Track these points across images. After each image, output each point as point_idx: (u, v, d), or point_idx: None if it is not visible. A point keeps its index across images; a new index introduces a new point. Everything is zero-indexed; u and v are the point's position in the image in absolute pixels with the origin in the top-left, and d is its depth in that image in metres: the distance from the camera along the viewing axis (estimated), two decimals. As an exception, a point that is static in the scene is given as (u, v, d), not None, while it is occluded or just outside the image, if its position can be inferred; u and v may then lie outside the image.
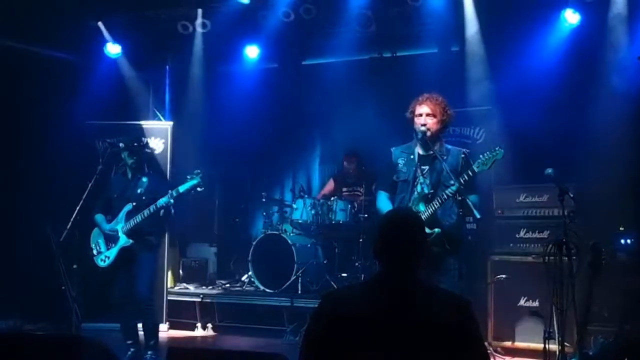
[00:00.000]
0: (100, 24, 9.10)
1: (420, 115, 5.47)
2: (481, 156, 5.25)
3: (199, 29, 9.10)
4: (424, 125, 5.42)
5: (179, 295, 9.02)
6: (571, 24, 7.88)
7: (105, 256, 6.74)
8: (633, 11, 7.61)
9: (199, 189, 6.58)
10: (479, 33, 8.27)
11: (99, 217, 6.86)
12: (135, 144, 6.80)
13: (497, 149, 5.24)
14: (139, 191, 6.73)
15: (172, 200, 6.53)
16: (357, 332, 2.82)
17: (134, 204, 6.67)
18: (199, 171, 6.62)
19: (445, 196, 5.23)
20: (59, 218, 6.88)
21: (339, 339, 2.83)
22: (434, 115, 5.45)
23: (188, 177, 6.60)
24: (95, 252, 6.82)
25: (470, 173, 5.21)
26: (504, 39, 8.20)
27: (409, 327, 2.79)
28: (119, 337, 6.83)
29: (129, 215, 6.66)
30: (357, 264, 8.67)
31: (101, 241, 6.80)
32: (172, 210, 6.68)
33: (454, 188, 5.14)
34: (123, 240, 6.64)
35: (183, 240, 9.98)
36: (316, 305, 3.02)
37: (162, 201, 6.50)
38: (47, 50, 9.04)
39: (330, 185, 9.77)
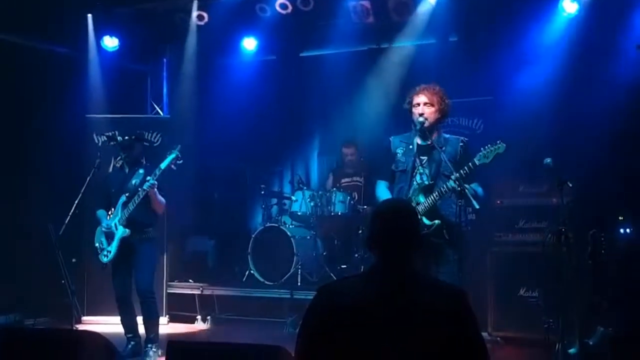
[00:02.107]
0: (89, 16, 9.06)
1: (418, 104, 5.45)
2: (482, 149, 5.22)
3: (197, 22, 9.08)
4: (422, 114, 5.40)
5: (179, 288, 9.02)
6: (569, 13, 7.86)
7: (107, 251, 6.73)
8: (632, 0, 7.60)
9: (178, 161, 6.59)
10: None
11: (101, 213, 6.85)
12: (127, 137, 6.79)
13: (499, 142, 5.19)
14: (134, 182, 6.72)
15: (155, 182, 6.52)
16: (353, 324, 2.82)
17: (127, 194, 6.66)
18: (176, 145, 6.63)
19: (445, 188, 5.22)
20: (58, 212, 6.88)
21: (334, 330, 2.84)
22: (432, 105, 5.43)
23: (167, 153, 6.62)
24: (98, 249, 6.82)
25: (471, 166, 5.19)
26: (502, 28, 8.17)
27: (405, 317, 2.80)
28: (119, 330, 6.84)
29: (124, 206, 6.66)
30: (356, 255, 8.67)
31: (103, 238, 6.79)
32: (161, 198, 6.66)
33: (452, 182, 5.13)
34: (120, 231, 6.62)
35: (182, 233, 9.97)
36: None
37: (147, 184, 6.50)
38: (44, 44, 9.00)
39: (329, 180, 9.76)
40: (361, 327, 2.80)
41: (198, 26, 9.14)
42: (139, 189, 6.54)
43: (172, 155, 6.59)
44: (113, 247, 6.69)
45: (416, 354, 2.75)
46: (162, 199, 6.73)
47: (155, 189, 6.58)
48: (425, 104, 5.43)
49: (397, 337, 2.77)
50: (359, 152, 9.39)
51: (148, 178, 6.52)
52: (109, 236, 6.72)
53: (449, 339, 2.77)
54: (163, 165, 6.57)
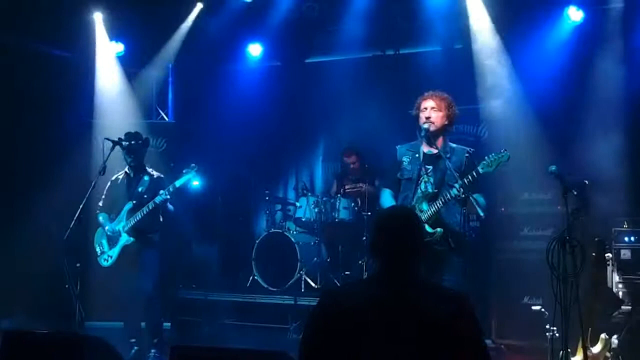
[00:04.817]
0: (99, 15, 9.02)
1: (425, 109, 5.47)
2: (486, 158, 5.22)
3: (203, 27, 9.10)
4: (428, 118, 5.41)
5: (183, 293, 9.02)
6: (574, 21, 7.87)
7: (108, 255, 6.76)
8: (637, 6, 7.59)
9: (194, 181, 6.62)
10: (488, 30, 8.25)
11: (102, 217, 6.87)
12: (133, 142, 6.80)
13: (502, 151, 5.21)
14: (140, 189, 6.74)
15: (169, 196, 6.55)
16: (356, 328, 2.83)
17: (134, 202, 6.68)
18: (194, 165, 6.65)
19: (448, 196, 5.22)
20: (62, 216, 6.88)
21: (337, 334, 2.85)
22: (439, 110, 5.44)
23: (184, 171, 6.64)
24: (99, 252, 6.84)
25: (474, 174, 5.20)
26: (507, 36, 8.18)
27: (407, 323, 2.80)
28: (122, 335, 6.84)
29: (130, 213, 6.68)
30: (360, 261, 8.66)
31: (104, 241, 6.82)
32: (171, 207, 6.69)
33: (455, 191, 5.13)
34: (124, 239, 6.65)
35: (186, 238, 9.98)
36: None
37: (159, 198, 6.52)
38: (49, 47, 9.01)
39: (333, 186, 9.76)
40: (364, 331, 2.81)
41: (204, 31, 9.16)
42: (151, 202, 6.55)
43: (189, 175, 6.63)
44: (114, 253, 6.71)
45: (418, 358, 2.75)
46: (172, 207, 6.75)
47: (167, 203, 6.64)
48: (432, 108, 5.44)
49: (399, 341, 2.78)
50: (362, 159, 9.39)
51: (161, 192, 6.54)
52: (111, 240, 6.74)
53: (451, 342, 2.77)
54: (178, 184, 6.60)
